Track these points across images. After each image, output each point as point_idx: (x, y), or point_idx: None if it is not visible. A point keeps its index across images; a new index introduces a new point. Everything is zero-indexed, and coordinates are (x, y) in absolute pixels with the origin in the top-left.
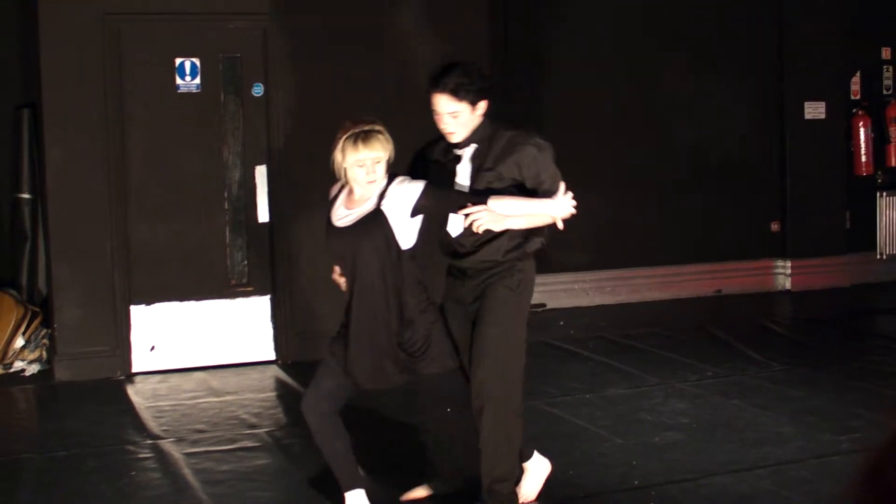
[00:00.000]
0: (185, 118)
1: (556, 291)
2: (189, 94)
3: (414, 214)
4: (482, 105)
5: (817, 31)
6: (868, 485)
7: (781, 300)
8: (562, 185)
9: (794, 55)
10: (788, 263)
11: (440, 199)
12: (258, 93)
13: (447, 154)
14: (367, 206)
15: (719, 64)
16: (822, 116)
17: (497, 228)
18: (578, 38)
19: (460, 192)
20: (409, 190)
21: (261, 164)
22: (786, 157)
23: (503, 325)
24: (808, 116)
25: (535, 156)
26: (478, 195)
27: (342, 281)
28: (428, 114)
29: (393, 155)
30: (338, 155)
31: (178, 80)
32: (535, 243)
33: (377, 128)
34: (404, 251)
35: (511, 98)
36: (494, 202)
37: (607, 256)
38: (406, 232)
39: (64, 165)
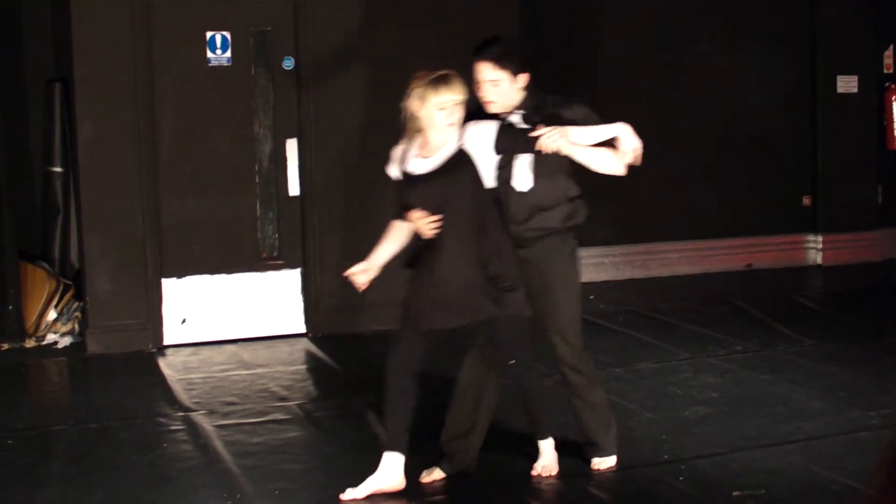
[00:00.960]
0: (216, 92)
1: (586, 265)
2: (219, 68)
3: (498, 152)
4: (522, 78)
5: (850, 4)
6: (889, 460)
7: (812, 275)
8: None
9: (827, 29)
10: (820, 238)
11: (516, 136)
12: (289, 66)
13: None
14: (447, 150)
15: (751, 38)
16: (855, 90)
17: (565, 151)
18: (610, 13)
19: (530, 132)
20: (487, 129)
21: (291, 137)
22: (818, 132)
23: (572, 289)
24: (840, 90)
25: (587, 112)
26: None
27: (427, 224)
28: (468, 86)
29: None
30: (415, 103)
31: (209, 54)
32: (582, 213)
33: (452, 72)
34: (488, 189)
35: (542, 73)
36: (570, 129)
37: (637, 230)
38: (489, 170)
39: (95, 139)
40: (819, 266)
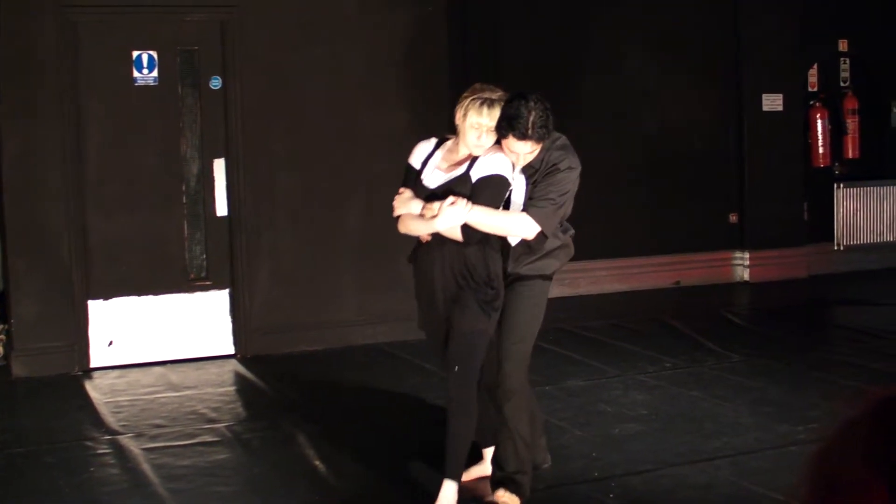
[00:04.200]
0: (143, 111)
1: None
2: (146, 88)
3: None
4: None
5: (775, 23)
6: (811, 472)
7: (740, 291)
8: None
9: (752, 47)
10: (746, 255)
11: (492, 195)
12: (216, 86)
13: None
14: (458, 171)
15: (677, 56)
16: (780, 108)
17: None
18: (537, 29)
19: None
20: (494, 164)
21: (219, 157)
22: (744, 149)
23: (533, 315)
24: (765, 108)
25: (560, 178)
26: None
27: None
28: (396, 106)
29: None
30: (459, 112)
31: (136, 73)
32: (554, 264)
33: (501, 97)
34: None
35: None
36: (469, 212)
37: None
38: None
39: (20, 158)
40: (746, 282)
